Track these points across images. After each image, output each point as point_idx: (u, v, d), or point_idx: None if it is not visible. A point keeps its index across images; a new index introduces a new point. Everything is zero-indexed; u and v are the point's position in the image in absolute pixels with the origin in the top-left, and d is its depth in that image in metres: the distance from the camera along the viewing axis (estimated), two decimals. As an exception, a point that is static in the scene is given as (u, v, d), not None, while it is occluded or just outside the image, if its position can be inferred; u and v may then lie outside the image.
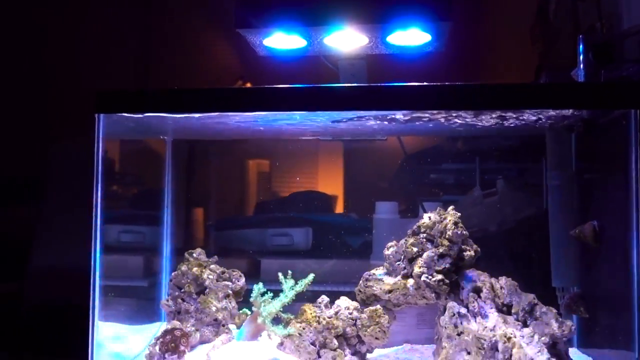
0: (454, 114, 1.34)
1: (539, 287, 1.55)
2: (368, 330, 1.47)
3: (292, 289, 1.47)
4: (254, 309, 1.48)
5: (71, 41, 2.11)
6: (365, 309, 1.50)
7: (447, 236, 1.47)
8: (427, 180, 1.91)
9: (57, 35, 2.12)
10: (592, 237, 1.45)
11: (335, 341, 1.44)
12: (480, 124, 1.49)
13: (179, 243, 1.88)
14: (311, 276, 1.48)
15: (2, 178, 2.11)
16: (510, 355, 1.33)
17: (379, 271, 1.56)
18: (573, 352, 1.58)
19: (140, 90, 1.36)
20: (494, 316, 1.40)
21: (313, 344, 1.44)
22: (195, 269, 1.55)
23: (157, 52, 2.22)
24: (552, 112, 1.32)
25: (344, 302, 1.53)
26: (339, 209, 2.05)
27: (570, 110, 1.31)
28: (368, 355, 1.53)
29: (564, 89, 1.25)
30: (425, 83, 1.26)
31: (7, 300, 2.03)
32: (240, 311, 1.56)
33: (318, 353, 1.43)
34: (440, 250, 1.47)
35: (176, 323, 1.47)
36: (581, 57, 1.38)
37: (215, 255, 1.65)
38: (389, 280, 1.52)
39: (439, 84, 1.24)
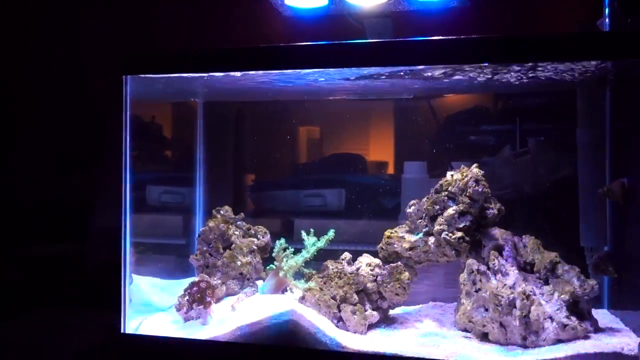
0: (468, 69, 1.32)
1: (569, 247, 1.52)
2: (388, 286, 1.49)
3: (314, 245, 1.51)
4: (276, 263, 1.53)
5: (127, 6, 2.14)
6: (386, 266, 1.52)
7: (467, 194, 1.46)
8: (460, 141, 1.88)
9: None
10: (621, 195, 1.41)
11: (355, 296, 1.47)
12: (506, 78, 1.46)
13: (215, 203, 1.94)
14: (331, 232, 1.51)
15: (66, 147, 2.22)
16: (529, 312, 1.32)
17: (401, 229, 1.57)
18: (602, 312, 1.54)
19: (163, 51, 1.40)
20: (514, 274, 1.39)
21: (334, 298, 1.46)
22: (222, 225, 1.60)
23: (208, 23, 2.22)
24: (575, 64, 1.27)
25: (365, 258, 1.55)
26: (375, 169, 2.05)
27: (594, 63, 1.26)
28: (390, 312, 1.55)
29: (586, 39, 1.20)
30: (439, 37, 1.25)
31: (70, 258, 2.17)
32: (267, 267, 1.60)
33: (338, 307, 1.46)
34: (461, 208, 1.46)
35: (203, 276, 1.54)
36: (607, 7, 1.32)
37: (251, 215, 1.69)
38: (410, 238, 1.53)
39: (454, 37, 1.22)
